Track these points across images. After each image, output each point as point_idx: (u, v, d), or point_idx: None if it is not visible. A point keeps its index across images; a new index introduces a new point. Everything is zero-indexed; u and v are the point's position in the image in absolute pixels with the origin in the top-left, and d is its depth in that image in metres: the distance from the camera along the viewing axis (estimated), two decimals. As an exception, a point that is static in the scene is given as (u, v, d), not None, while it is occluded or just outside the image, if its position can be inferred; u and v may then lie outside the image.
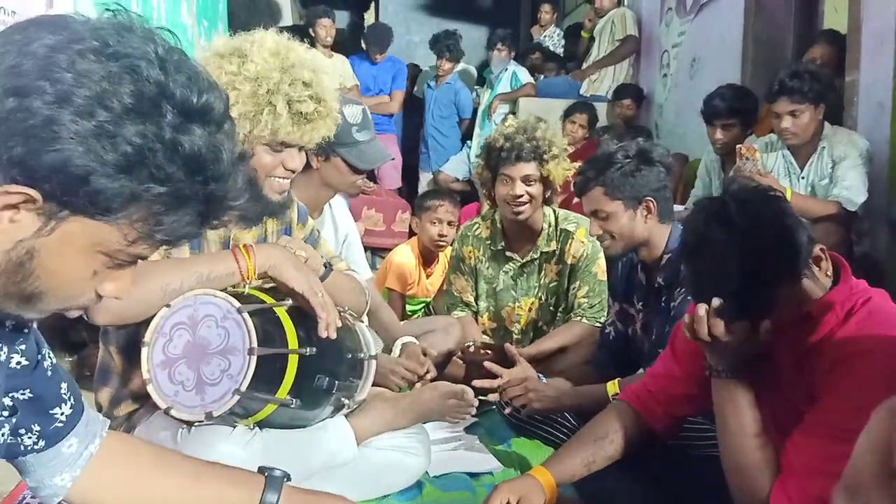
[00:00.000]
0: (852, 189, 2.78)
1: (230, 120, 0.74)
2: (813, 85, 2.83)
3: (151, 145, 0.65)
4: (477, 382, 2.05)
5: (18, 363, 0.87)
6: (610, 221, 2.00)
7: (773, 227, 1.21)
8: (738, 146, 2.95)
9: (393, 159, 4.02)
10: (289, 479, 1.03)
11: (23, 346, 0.87)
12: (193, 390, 1.33)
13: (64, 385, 0.94)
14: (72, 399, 0.94)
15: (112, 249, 0.71)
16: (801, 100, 2.82)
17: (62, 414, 0.93)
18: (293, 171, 1.53)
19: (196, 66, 0.71)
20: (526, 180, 2.49)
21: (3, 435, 0.87)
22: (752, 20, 4.20)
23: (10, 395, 0.88)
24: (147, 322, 1.38)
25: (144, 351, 1.36)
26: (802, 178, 2.93)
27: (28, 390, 0.89)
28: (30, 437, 0.91)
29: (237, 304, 1.34)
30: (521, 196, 2.49)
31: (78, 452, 0.95)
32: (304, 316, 1.45)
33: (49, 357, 0.92)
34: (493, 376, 2.07)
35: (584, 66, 5.69)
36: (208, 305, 1.35)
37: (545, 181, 2.52)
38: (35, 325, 0.90)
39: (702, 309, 1.27)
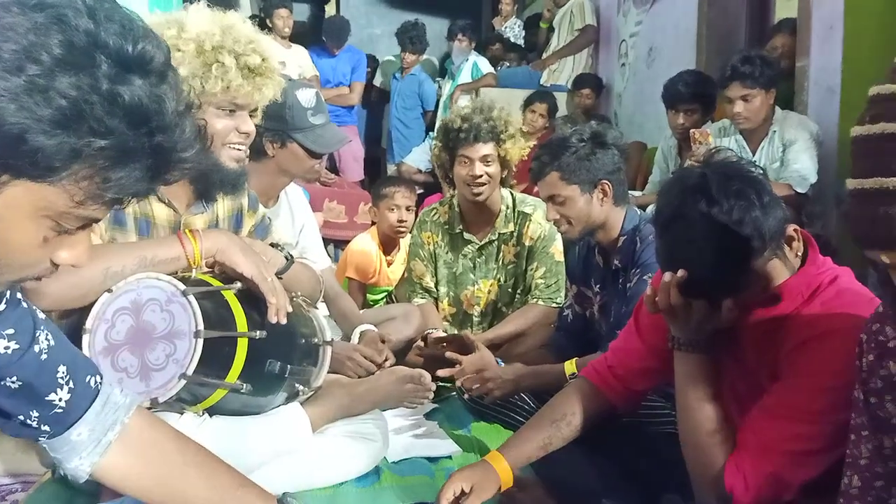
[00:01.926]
0: (803, 171, 2.85)
1: (173, 70, 0.71)
2: (764, 70, 2.89)
3: (87, 97, 0.63)
4: (441, 372, 2.05)
5: (7, 348, 0.84)
6: (566, 206, 2.01)
7: (750, 206, 1.18)
8: (691, 131, 2.99)
9: (350, 141, 4.00)
10: None
11: (11, 331, 0.84)
12: (138, 377, 1.29)
13: (62, 368, 0.91)
14: (70, 383, 0.91)
15: (59, 212, 0.68)
16: (753, 84, 2.88)
17: (60, 399, 0.90)
18: (247, 135, 1.52)
19: (130, 14, 0.68)
20: (484, 160, 2.50)
21: None
22: (706, 9, 4.26)
23: None
24: (89, 309, 1.34)
25: (86, 338, 1.31)
26: (754, 161, 2.98)
27: (15, 377, 0.87)
28: (32, 422, 0.90)
29: (182, 286, 1.31)
30: (481, 176, 2.49)
31: (93, 440, 0.93)
32: (253, 300, 1.43)
33: (47, 339, 0.89)
34: (454, 364, 2.07)
35: (544, 56, 5.72)
36: (152, 289, 1.32)
37: (502, 161, 2.53)
38: (30, 306, 0.86)
39: (667, 277, 1.25)
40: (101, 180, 0.66)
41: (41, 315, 0.91)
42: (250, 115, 1.53)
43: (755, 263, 1.20)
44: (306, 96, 2.10)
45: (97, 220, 0.72)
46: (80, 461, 0.94)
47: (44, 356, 0.88)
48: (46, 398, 0.90)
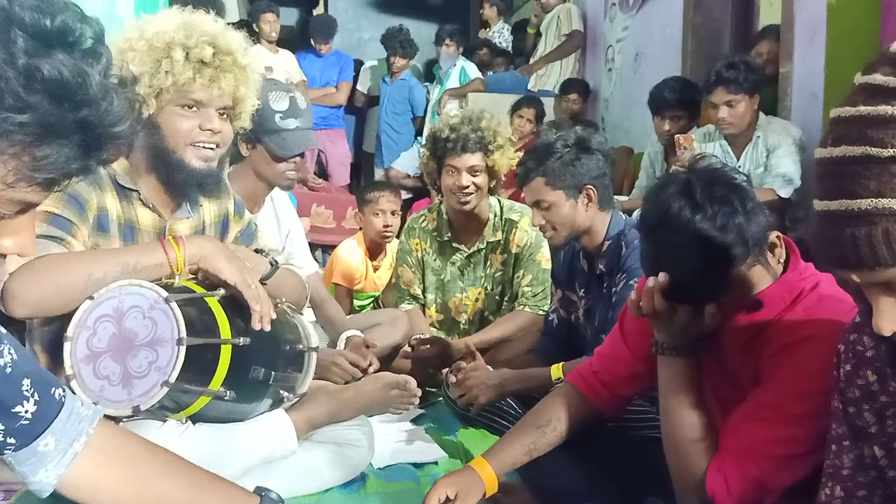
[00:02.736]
0: (787, 176, 2.88)
1: (104, 45, 0.70)
2: (748, 75, 2.91)
3: (2, 72, 0.62)
4: (450, 379, 2.06)
5: None
6: (552, 211, 2.02)
7: (734, 212, 1.19)
8: (676, 136, 3.01)
9: (319, 149, 3.94)
10: (282, 502, 1.04)
11: None
12: (120, 384, 1.28)
13: (26, 382, 0.89)
14: (36, 395, 0.90)
15: None
16: (737, 90, 2.90)
17: (27, 412, 0.89)
18: (213, 132, 1.49)
19: None
20: (472, 171, 2.49)
21: None
22: (691, 15, 4.29)
23: None
24: (71, 316, 1.33)
25: (67, 346, 1.30)
26: (739, 166, 3.01)
27: None
28: None
29: (164, 293, 1.30)
30: (468, 187, 2.49)
31: (59, 450, 0.92)
32: (237, 307, 1.42)
33: (10, 353, 0.88)
34: (442, 368, 2.08)
35: (532, 61, 5.74)
36: (134, 296, 1.31)
37: (490, 171, 2.53)
38: None
39: (651, 281, 1.26)
40: (29, 159, 0.65)
41: (2, 329, 0.90)
42: (234, 117, 1.52)
43: (738, 269, 1.21)
44: (277, 98, 2.11)
45: (35, 205, 0.71)
46: (45, 473, 0.92)
47: (8, 370, 0.87)
48: (13, 410, 0.88)
